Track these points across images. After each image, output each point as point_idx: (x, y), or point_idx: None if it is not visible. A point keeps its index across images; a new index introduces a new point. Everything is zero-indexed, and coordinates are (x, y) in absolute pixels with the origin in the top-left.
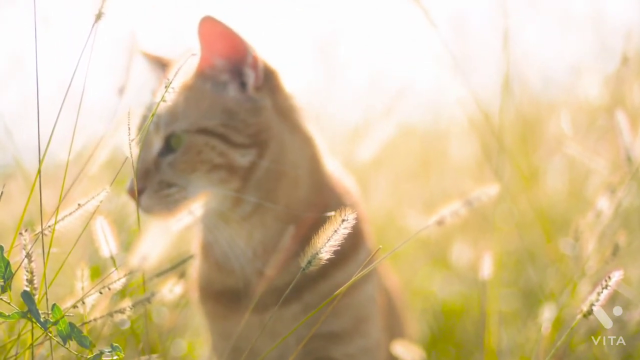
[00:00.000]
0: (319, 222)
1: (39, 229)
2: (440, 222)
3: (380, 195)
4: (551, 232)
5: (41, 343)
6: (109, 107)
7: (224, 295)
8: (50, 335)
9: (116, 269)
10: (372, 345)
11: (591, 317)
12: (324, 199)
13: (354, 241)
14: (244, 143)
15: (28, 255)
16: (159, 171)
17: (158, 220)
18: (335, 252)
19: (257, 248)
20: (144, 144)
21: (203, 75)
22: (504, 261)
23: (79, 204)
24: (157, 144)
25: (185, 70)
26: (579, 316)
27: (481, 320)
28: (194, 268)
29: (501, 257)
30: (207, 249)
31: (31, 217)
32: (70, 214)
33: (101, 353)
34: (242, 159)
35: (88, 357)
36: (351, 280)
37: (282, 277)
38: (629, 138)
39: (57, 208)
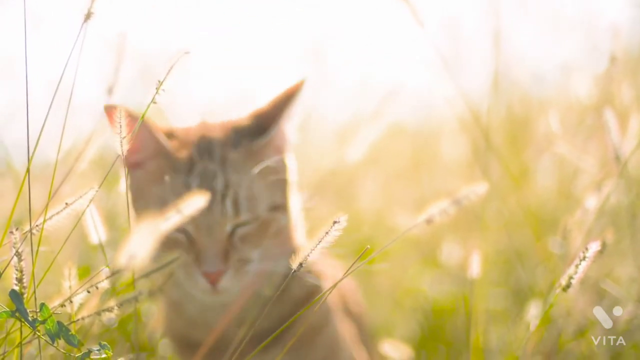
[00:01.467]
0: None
1: (27, 228)
2: (429, 221)
3: (370, 195)
4: (540, 231)
5: (30, 342)
6: (99, 106)
7: (198, 347)
8: (39, 334)
9: (106, 262)
10: None
11: (580, 315)
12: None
13: (317, 289)
14: (286, 205)
15: (18, 254)
16: (235, 249)
17: (224, 299)
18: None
19: (249, 301)
20: (215, 224)
21: (266, 148)
22: (493, 260)
23: (66, 203)
24: (230, 224)
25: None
26: (558, 290)
27: (470, 319)
28: (162, 317)
29: (491, 257)
30: (179, 306)
31: (20, 216)
32: (58, 212)
33: (89, 352)
34: (283, 220)
35: (76, 355)
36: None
37: (262, 324)
38: (617, 136)
39: (46, 206)
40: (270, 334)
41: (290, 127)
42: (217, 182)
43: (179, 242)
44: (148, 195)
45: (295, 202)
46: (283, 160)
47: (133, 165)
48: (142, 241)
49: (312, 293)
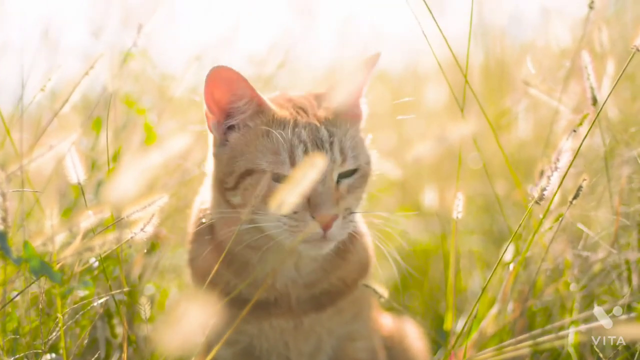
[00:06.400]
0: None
1: (12, 169)
2: (415, 159)
3: None
4: (519, 175)
5: (12, 281)
6: (85, 48)
7: (252, 304)
8: (23, 271)
9: (86, 203)
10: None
11: (557, 259)
12: None
13: (367, 264)
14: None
15: (3, 194)
16: (342, 198)
17: (315, 252)
18: (359, 271)
19: (314, 262)
20: (327, 171)
21: (346, 114)
22: (473, 204)
23: (50, 145)
24: (337, 172)
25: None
26: (532, 204)
27: (449, 260)
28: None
29: (471, 201)
30: (243, 268)
31: (6, 159)
32: (42, 155)
33: (71, 288)
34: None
35: (59, 291)
36: None
37: (320, 286)
38: (594, 80)
39: (32, 147)
40: (326, 294)
41: (363, 102)
42: (322, 133)
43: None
44: (251, 151)
45: None
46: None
47: (226, 130)
48: (131, 178)
49: (365, 265)
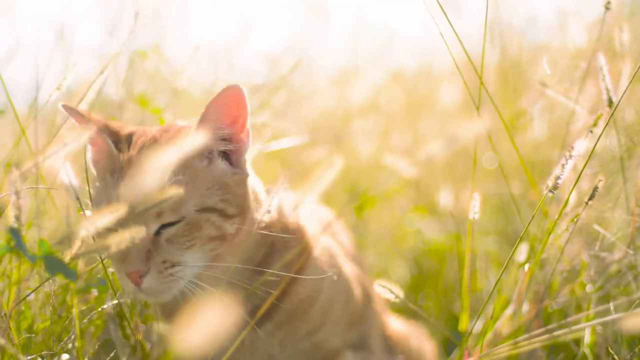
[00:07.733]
0: (267, 258)
1: (26, 167)
2: (430, 158)
3: (370, 138)
4: (535, 175)
5: (27, 279)
6: (100, 47)
7: None
8: (37, 269)
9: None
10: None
11: (573, 260)
12: (271, 237)
13: (302, 260)
14: (234, 213)
15: (17, 192)
16: (159, 250)
17: (152, 300)
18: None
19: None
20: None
21: (198, 151)
22: (489, 205)
23: (65, 143)
24: (154, 224)
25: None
26: (546, 193)
27: (463, 259)
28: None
29: (486, 201)
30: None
31: (21, 157)
32: (56, 152)
33: (88, 286)
34: (230, 227)
35: (75, 289)
36: None
37: (249, 302)
38: (609, 81)
39: (46, 146)
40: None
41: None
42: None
43: None
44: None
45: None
46: (234, 169)
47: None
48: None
49: (304, 263)
